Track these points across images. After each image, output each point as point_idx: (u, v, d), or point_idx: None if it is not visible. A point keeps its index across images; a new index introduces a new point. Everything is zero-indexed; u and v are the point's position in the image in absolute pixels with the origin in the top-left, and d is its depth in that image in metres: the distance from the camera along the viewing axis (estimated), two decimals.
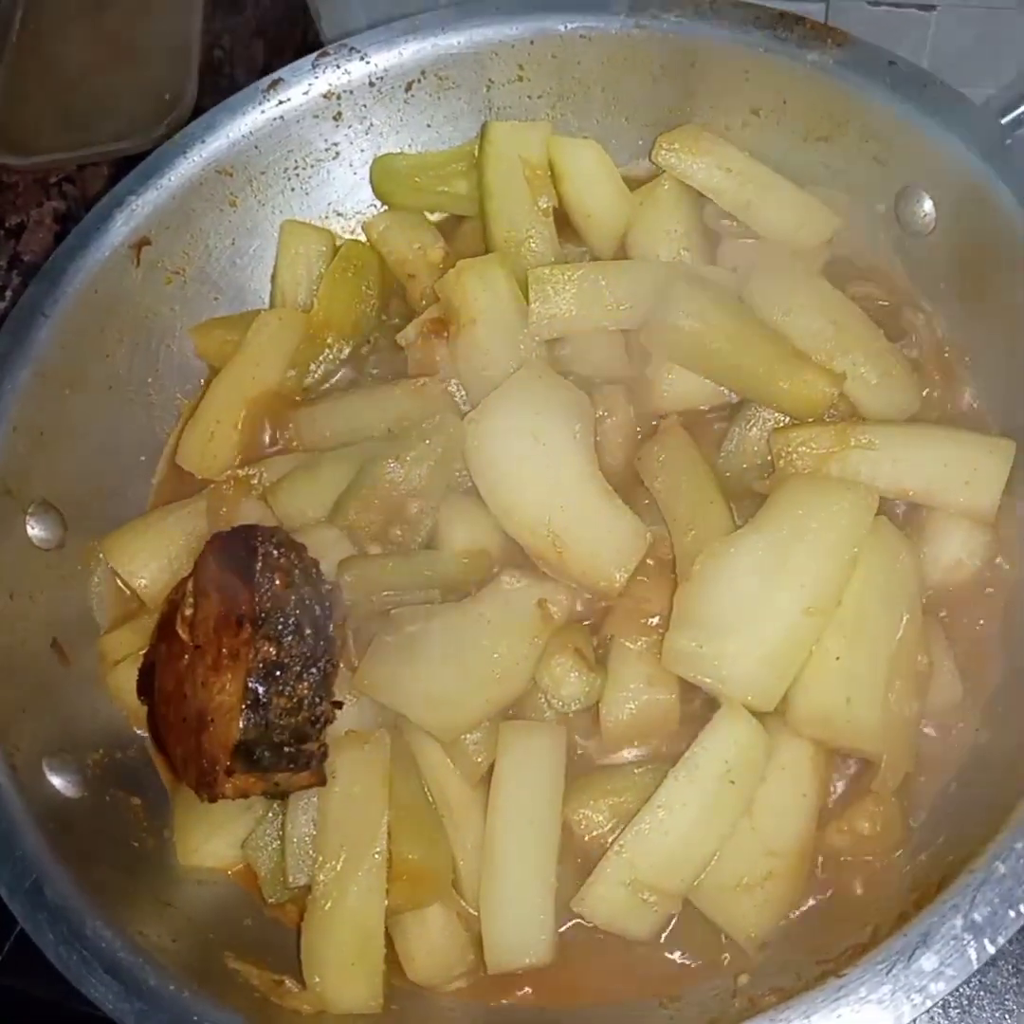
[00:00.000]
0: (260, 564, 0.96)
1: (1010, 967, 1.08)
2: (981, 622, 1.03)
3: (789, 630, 0.96)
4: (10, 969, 1.25)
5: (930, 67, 1.62)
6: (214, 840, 1.06)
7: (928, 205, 1.11)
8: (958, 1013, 1.05)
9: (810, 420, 1.07)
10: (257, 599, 0.95)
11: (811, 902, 0.97)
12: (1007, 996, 1.06)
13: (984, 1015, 1.05)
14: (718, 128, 1.21)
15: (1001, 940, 0.77)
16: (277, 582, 0.96)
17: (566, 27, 1.20)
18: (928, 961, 0.77)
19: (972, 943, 0.77)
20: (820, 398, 1.06)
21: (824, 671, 0.96)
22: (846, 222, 1.17)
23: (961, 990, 1.05)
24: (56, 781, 1.02)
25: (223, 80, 1.75)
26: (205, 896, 1.04)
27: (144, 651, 1.11)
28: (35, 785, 1.00)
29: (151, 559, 1.16)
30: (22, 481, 1.12)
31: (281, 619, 0.96)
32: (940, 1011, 1.04)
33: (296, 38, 1.99)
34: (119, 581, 1.18)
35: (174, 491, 1.23)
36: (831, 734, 0.96)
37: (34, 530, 1.13)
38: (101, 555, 1.17)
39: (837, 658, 0.96)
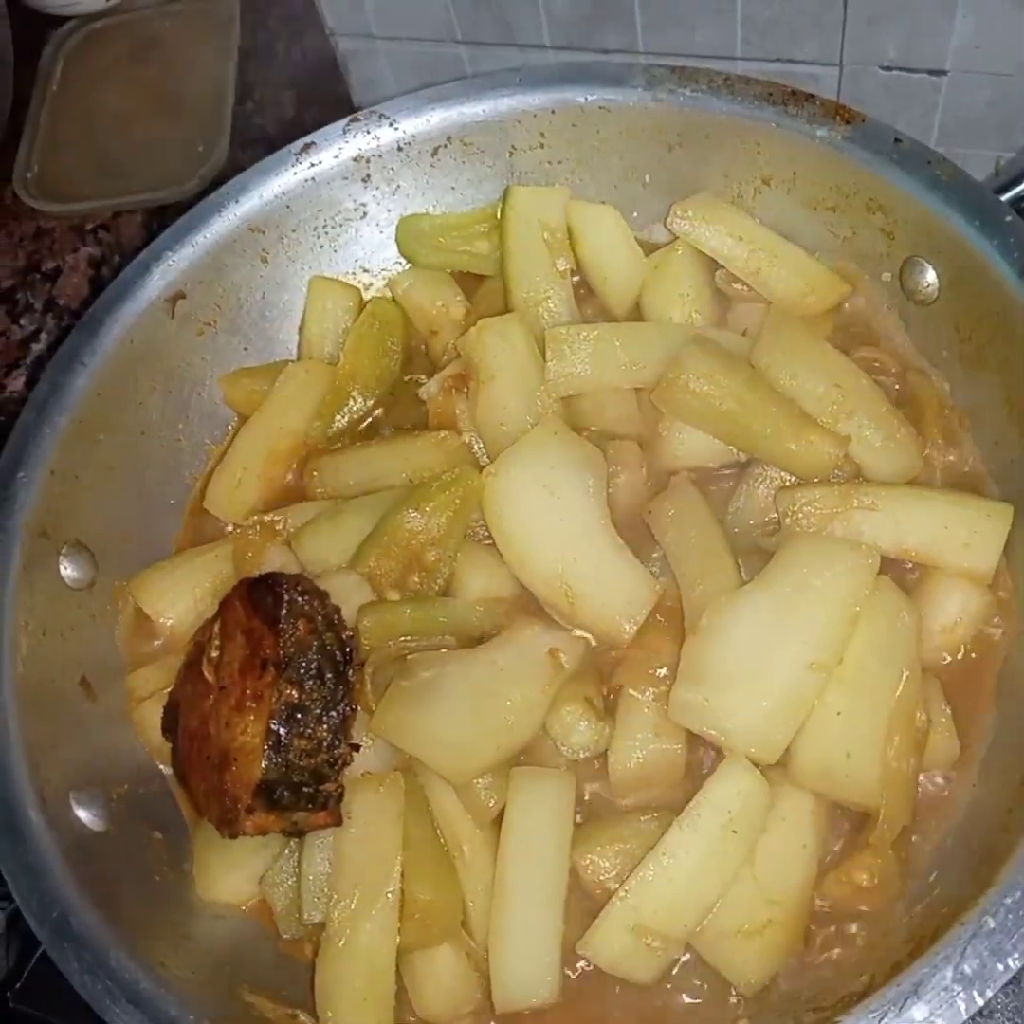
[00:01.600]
0: (285, 610, 1.01)
1: (1006, 1020, 1.10)
2: (977, 680, 1.06)
3: (792, 685, 0.99)
4: (29, 997, 1.28)
5: (941, 130, 1.69)
6: (232, 875, 1.09)
7: (931, 275, 1.14)
8: None
9: (815, 480, 1.11)
10: (281, 644, 1.00)
11: (809, 950, 0.99)
12: None
13: None
14: (731, 196, 1.26)
15: (989, 992, 0.79)
16: (301, 628, 1.01)
17: (586, 99, 1.25)
18: (919, 1011, 0.80)
19: (961, 995, 0.80)
20: (825, 459, 1.10)
21: (825, 725, 0.99)
22: (852, 289, 1.21)
23: None
24: (82, 814, 1.06)
25: (254, 131, 1.81)
26: (223, 930, 1.07)
27: (169, 690, 1.15)
28: (62, 818, 1.04)
29: (178, 599, 1.20)
30: (57, 523, 1.17)
31: (303, 663, 1.00)
32: None
33: (325, 91, 2.06)
34: (146, 621, 1.22)
35: (201, 534, 1.28)
36: (831, 787, 0.99)
37: (67, 570, 1.17)
38: (129, 595, 1.21)
39: (838, 713, 0.99)
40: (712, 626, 1.02)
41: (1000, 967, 0.80)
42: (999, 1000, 1.08)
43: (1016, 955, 0.81)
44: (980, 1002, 0.79)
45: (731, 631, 1.01)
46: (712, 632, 1.02)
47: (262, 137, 1.83)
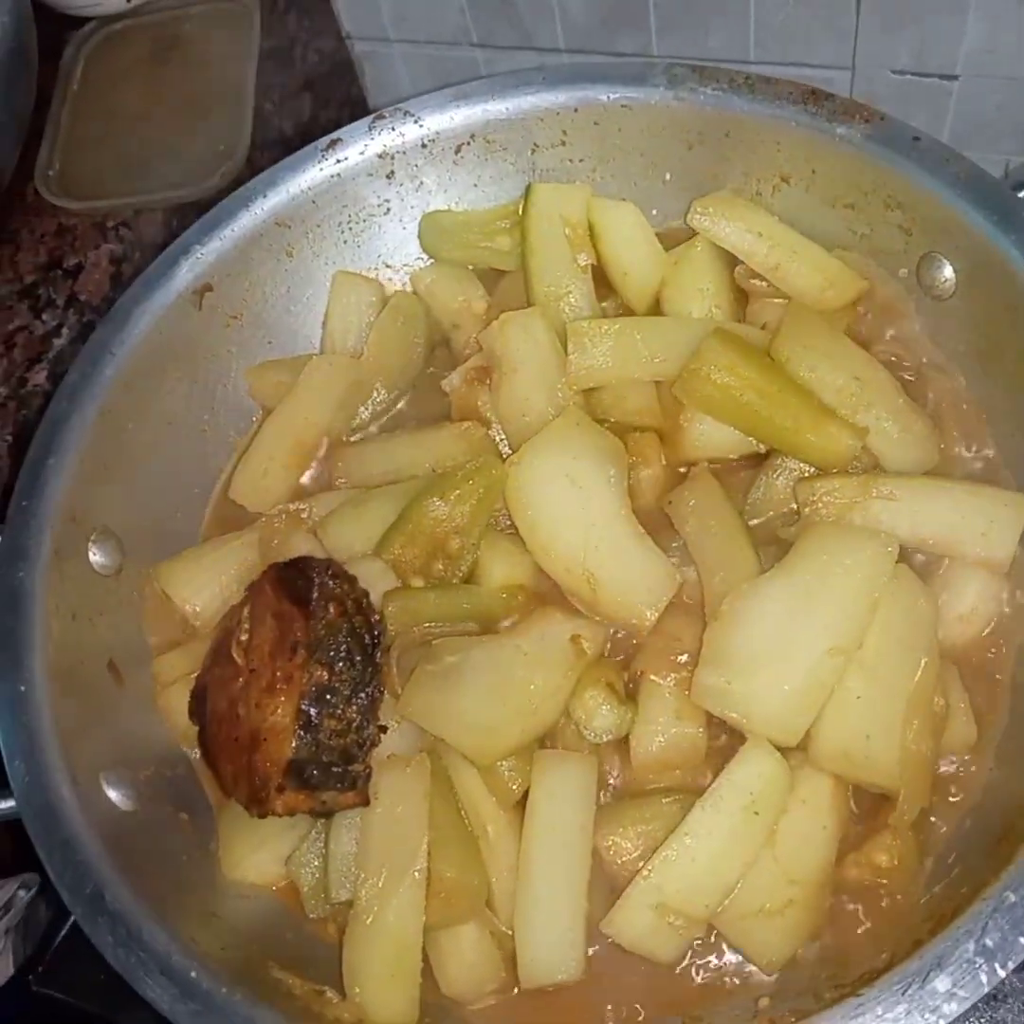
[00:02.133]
0: (316, 593, 1.02)
1: (1019, 1004, 1.12)
2: (994, 666, 1.08)
3: (813, 669, 1.00)
4: (52, 980, 1.29)
5: (952, 134, 1.72)
6: (257, 855, 1.10)
7: (948, 271, 1.16)
8: None
9: (834, 471, 1.13)
10: (312, 626, 1.01)
11: (829, 930, 1.01)
12: None
13: None
14: (750, 193, 1.28)
15: (1011, 964, 0.81)
16: (331, 611, 1.02)
17: (608, 97, 1.27)
18: (942, 983, 0.82)
19: (983, 967, 0.82)
20: (844, 450, 1.12)
21: (845, 709, 1.00)
22: (870, 285, 1.23)
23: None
24: (112, 794, 1.07)
25: (272, 132, 1.84)
26: (249, 909, 1.09)
27: (195, 674, 1.16)
28: (93, 798, 1.05)
29: (204, 587, 1.22)
30: (86, 509, 1.18)
31: (333, 645, 1.02)
32: None
33: (341, 93, 2.09)
34: (173, 607, 1.23)
35: (226, 523, 1.29)
36: (851, 769, 1.01)
37: (95, 556, 1.19)
38: (156, 581, 1.23)
39: (858, 697, 1.00)
40: (734, 611, 1.04)
41: (1022, 940, 0.82)
42: (1012, 984, 1.10)
43: None
44: (1002, 974, 0.81)
45: (753, 616, 1.03)
46: (734, 617, 1.04)
47: (279, 138, 1.85)
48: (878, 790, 1.02)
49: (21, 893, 1.35)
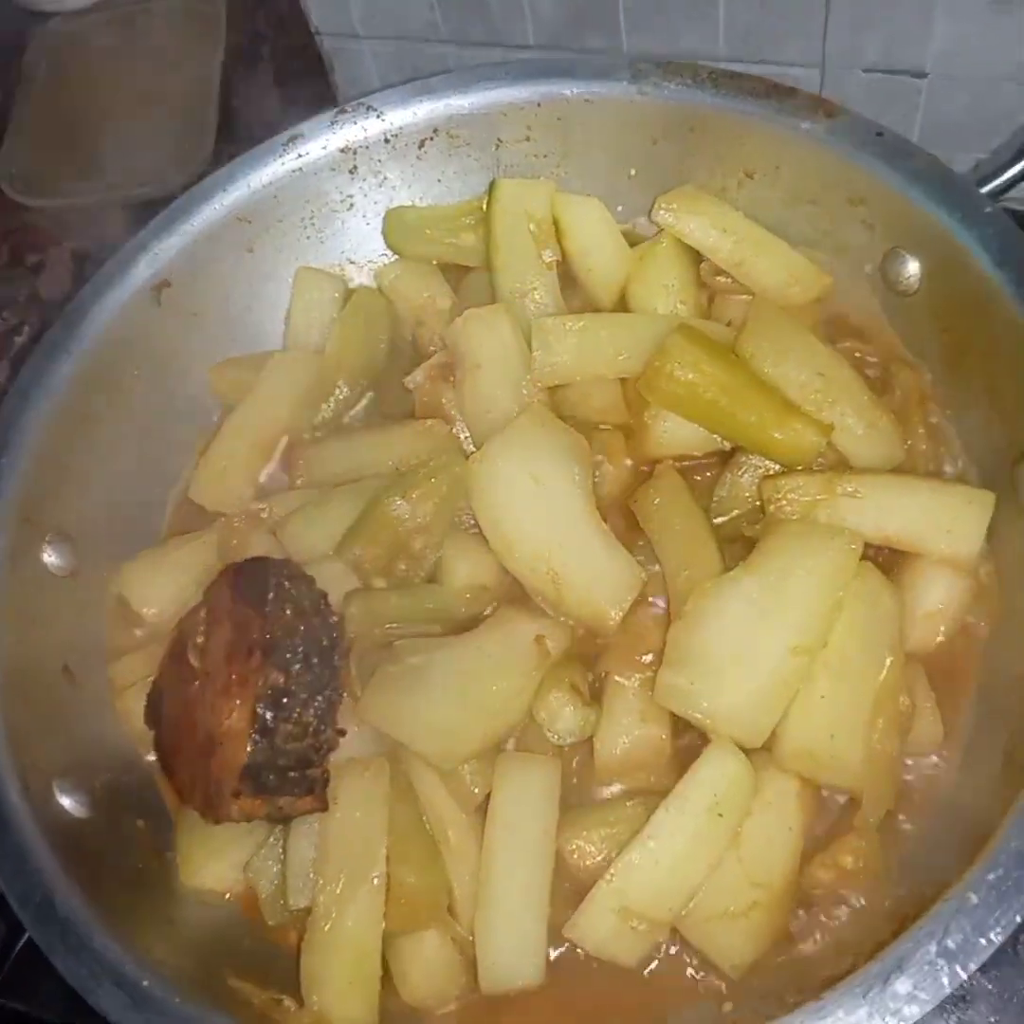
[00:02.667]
0: (272, 595, 1.01)
1: (987, 1006, 1.11)
2: (960, 666, 1.07)
3: (777, 669, 0.99)
4: (9, 990, 1.26)
5: (922, 132, 1.71)
6: (216, 862, 1.09)
7: (913, 267, 1.16)
8: None
9: (799, 468, 1.12)
10: (268, 628, 0.99)
11: (794, 933, 1.00)
12: None
13: None
14: (714, 189, 1.27)
15: (973, 966, 0.80)
16: (287, 613, 1.01)
17: (572, 92, 1.26)
18: (903, 985, 0.81)
19: (945, 969, 0.81)
20: (808, 447, 1.11)
21: (810, 709, 0.99)
22: (835, 281, 1.22)
23: None
24: (65, 801, 1.06)
25: (239, 129, 1.82)
26: (207, 917, 1.07)
27: (152, 678, 1.14)
28: (46, 805, 1.03)
29: (162, 589, 1.20)
30: (40, 510, 1.16)
31: (290, 648, 1.00)
32: None
33: (309, 89, 2.06)
34: (129, 609, 1.21)
35: (186, 523, 1.28)
36: (816, 769, 1.00)
37: (50, 558, 1.17)
38: (113, 584, 1.21)
39: (822, 697, 1.00)
40: (697, 611, 1.03)
41: (982, 941, 0.81)
42: (981, 985, 1.09)
43: (998, 930, 0.81)
44: (963, 976, 0.80)
45: (716, 616, 1.02)
46: (697, 617, 1.03)
47: (246, 135, 1.83)
48: (843, 791, 1.01)
49: None
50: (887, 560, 1.09)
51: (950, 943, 0.81)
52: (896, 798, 1.01)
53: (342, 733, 1.04)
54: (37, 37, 1.89)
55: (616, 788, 1.07)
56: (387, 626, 1.11)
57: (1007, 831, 0.86)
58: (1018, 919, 0.82)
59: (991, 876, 0.84)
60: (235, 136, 1.78)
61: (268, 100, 1.94)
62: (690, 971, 1.00)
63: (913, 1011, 0.79)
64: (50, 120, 1.83)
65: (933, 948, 0.81)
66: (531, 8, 1.76)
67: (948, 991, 0.80)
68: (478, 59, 1.88)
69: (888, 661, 1.02)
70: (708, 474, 1.18)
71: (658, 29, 1.72)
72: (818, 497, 1.08)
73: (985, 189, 1.15)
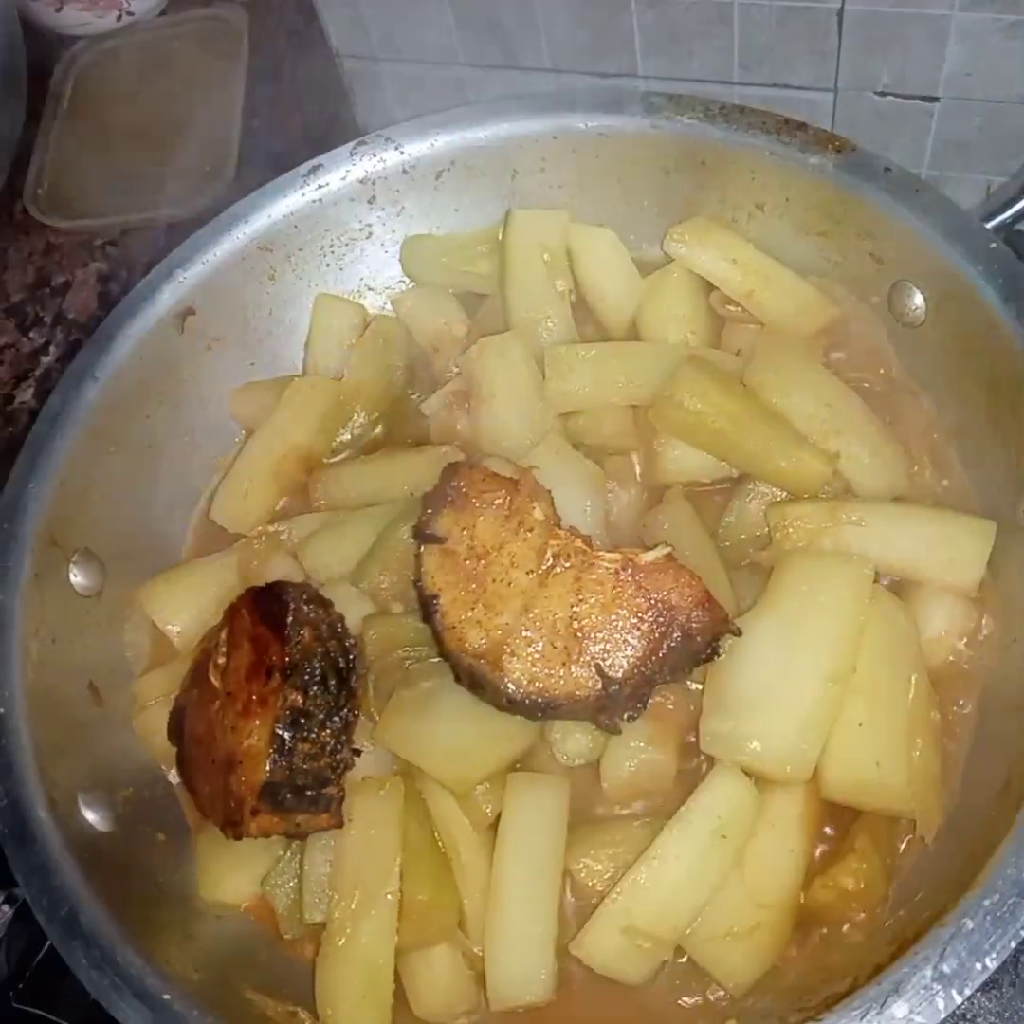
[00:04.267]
0: (291, 618, 1.04)
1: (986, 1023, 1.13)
2: (962, 691, 1.09)
3: (815, 699, 1.00)
4: (32, 997, 1.30)
5: (933, 155, 1.73)
6: (234, 877, 1.12)
7: (919, 299, 1.18)
8: None
9: (805, 496, 1.14)
10: (287, 651, 1.03)
11: (795, 953, 1.02)
12: None
13: None
14: (725, 220, 1.30)
15: (968, 991, 0.82)
16: (306, 636, 1.04)
17: (586, 125, 1.29)
18: (899, 1009, 0.83)
19: (941, 993, 0.83)
20: (815, 476, 1.13)
21: (850, 738, 1.00)
22: (842, 312, 1.24)
23: None
24: (90, 816, 1.09)
25: (260, 152, 1.85)
26: (225, 930, 1.10)
27: (174, 695, 1.17)
28: (71, 819, 1.06)
29: (184, 608, 1.23)
30: (67, 532, 1.20)
31: (308, 670, 1.03)
32: None
33: (330, 112, 2.10)
34: (153, 628, 1.25)
35: (207, 544, 1.31)
36: (866, 798, 1.01)
37: (76, 578, 1.20)
38: (137, 603, 1.24)
39: (860, 724, 1.01)
40: (728, 655, 1.04)
41: (978, 966, 0.83)
42: (981, 1004, 1.11)
43: (994, 955, 0.83)
44: (959, 1000, 0.82)
45: (747, 657, 1.04)
46: (729, 661, 1.04)
47: (268, 156, 1.86)
48: (893, 814, 1.02)
49: (4, 908, 1.36)
50: (890, 586, 1.11)
51: (946, 968, 0.83)
52: (943, 813, 1.01)
53: (358, 753, 1.07)
54: (64, 60, 1.93)
55: (623, 809, 1.09)
56: (402, 650, 1.13)
57: (1004, 857, 0.88)
58: (1013, 945, 0.84)
59: (987, 901, 0.86)
60: (256, 158, 1.81)
61: (289, 121, 1.97)
62: (694, 989, 1.02)
63: None
64: (76, 142, 1.86)
65: (929, 973, 0.83)
66: (547, 31, 1.79)
67: (943, 1015, 0.82)
68: (495, 82, 1.92)
69: (914, 679, 1.03)
70: (717, 499, 1.20)
71: (673, 52, 1.75)
72: (823, 525, 1.10)
73: (990, 224, 1.17)
